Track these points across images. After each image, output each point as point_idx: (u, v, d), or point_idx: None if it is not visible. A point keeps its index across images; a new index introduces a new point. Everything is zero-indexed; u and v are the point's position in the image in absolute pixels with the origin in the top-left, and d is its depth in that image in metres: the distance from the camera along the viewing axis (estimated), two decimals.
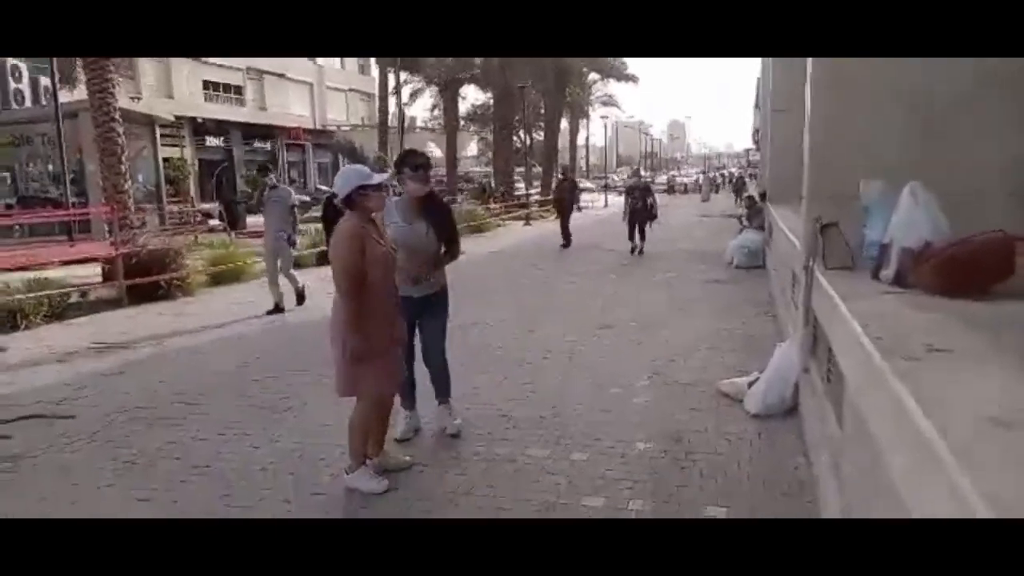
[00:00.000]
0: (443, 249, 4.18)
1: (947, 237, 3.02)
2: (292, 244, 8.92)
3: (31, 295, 8.35)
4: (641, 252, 13.37)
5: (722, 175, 55.39)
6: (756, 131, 29.77)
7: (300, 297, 9.02)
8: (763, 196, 11.98)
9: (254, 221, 22.59)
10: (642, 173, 20.08)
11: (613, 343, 6.62)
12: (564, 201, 16.11)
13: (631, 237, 13.56)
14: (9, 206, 19.70)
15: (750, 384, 4.73)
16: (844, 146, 4.03)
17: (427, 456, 4.06)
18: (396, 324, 3.69)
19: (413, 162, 4.01)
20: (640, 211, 13.60)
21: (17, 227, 16.41)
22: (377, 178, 3.51)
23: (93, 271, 10.88)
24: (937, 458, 1.43)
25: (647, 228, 13.65)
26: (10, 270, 9.59)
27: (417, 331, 4.23)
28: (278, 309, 8.56)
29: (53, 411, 5.03)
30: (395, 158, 4.10)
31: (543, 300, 9.03)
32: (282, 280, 8.81)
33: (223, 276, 11.08)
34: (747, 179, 34.45)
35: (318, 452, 4.13)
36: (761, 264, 10.89)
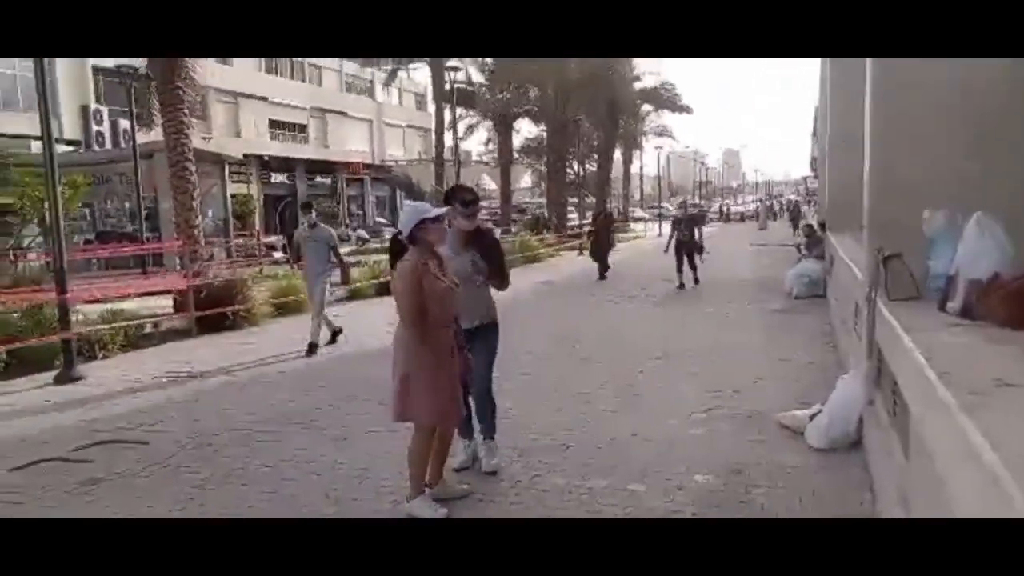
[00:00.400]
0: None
1: (1015, 268, 2.96)
2: (328, 283, 8.75)
3: (108, 326, 8.80)
4: (696, 281, 13.06)
5: (780, 203, 54.40)
6: (814, 159, 29.29)
7: (333, 337, 8.82)
8: (823, 225, 11.76)
9: None
10: (691, 202, 20.15)
11: (669, 373, 6.58)
12: (600, 234, 16.66)
13: (679, 270, 13.06)
14: (88, 241, 20.81)
15: (812, 416, 4.63)
16: (905, 174, 3.97)
17: (485, 485, 4.11)
18: (455, 358, 3.77)
19: (462, 198, 4.14)
20: (687, 243, 13.13)
21: (95, 260, 17.35)
22: (435, 212, 3.67)
23: (165, 303, 11.40)
24: (1007, 495, 1.42)
25: (697, 260, 13.23)
26: (89, 302, 10.13)
27: None
28: (312, 348, 8.21)
29: (129, 437, 5.28)
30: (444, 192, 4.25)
31: (597, 329, 9.03)
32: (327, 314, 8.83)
33: (287, 307, 11.45)
34: (804, 206, 33.79)
35: (379, 479, 4.23)
36: (821, 293, 10.65)
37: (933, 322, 3.07)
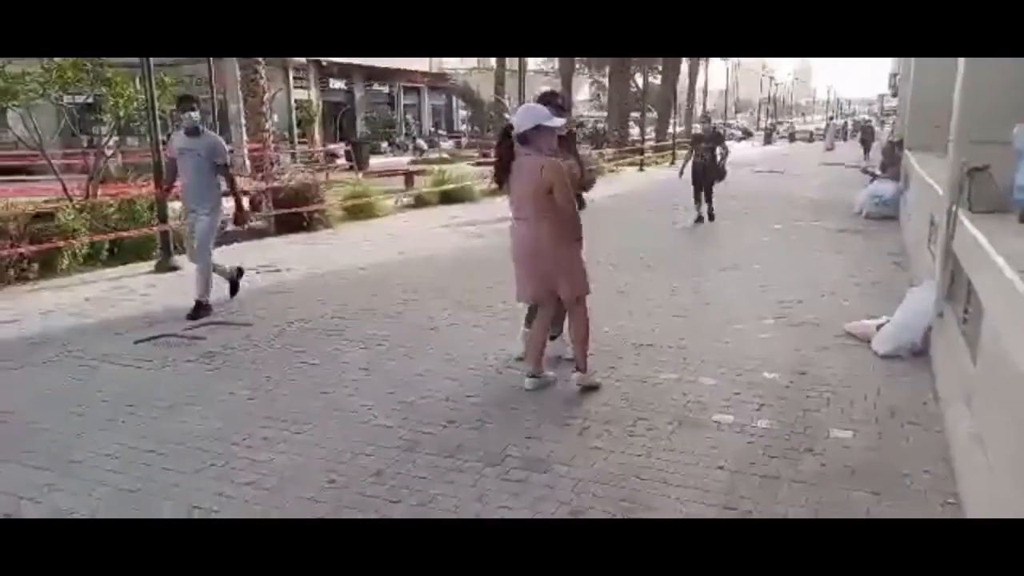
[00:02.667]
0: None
1: None
2: (217, 220, 6.10)
3: None
4: (711, 218, 10.86)
5: (852, 122, 51.93)
6: (893, 75, 27.77)
7: (234, 286, 6.41)
8: (900, 144, 11.43)
9: (377, 162, 23.62)
10: (715, 121, 16.26)
11: (737, 284, 6.76)
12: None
13: (697, 200, 10.81)
14: (162, 142, 21.44)
15: (879, 327, 4.80)
16: (996, 91, 3.98)
17: (562, 376, 4.44)
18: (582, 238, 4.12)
19: (557, 103, 4.30)
20: (707, 168, 10.77)
21: (167, 161, 17.95)
22: (556, 121, 3.82)
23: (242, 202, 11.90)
24: None
25: (714, 188, 10.90)
26: (177, 198, 10.69)
27: None
28: (199, 308, 5.80)
29: (233, 319, 5.79)
30: (535, 98, 4.39)
31: (663, 243, 9.17)
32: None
33: (357, 211, 11.86)
34: (877, 127, 32.30)
35: (468, 363, 4.61)
36: (894, 215, 10.51)
37: (1016, 231, 3.19)
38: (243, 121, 18.62)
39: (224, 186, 6.10)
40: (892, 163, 11.79)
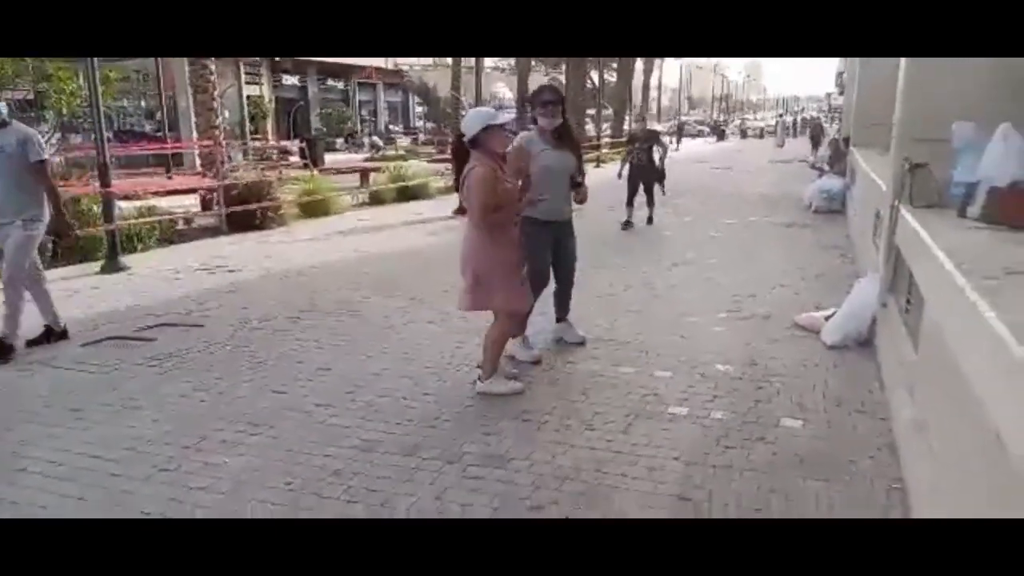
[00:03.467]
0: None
1: None
2: (38, 231, 4.94)
3: (144, 220, 9.10)
4: (650, 221, 10.29)
5: (801, 119, 53.21)
6: (840, 74, 28.54)
7: (48, 334, 5.07)
8: (846, 141, 11.77)
9: (332, 159, 23.32)
10: (650, 122, 15.94)
11: (690, 279, 6.87)
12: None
13: (629, 202, 10.23)
14: (107, 139, 20.82)
15: (827, 318, 4.94)
16: (936, 90, 4.13)
17: (527, 370, 4.46)
18: (519, 252, 4.05)
19: (540, 99, 4.46)
20: (644, 169, 10.29)
21: (114, 159, 17.43)
22: (502, 118, 3.83)
23: (190, 201, 11.65)
24: (1014, 359, 1.69)
25: (656, 192, 10.51)
26: (123, 198, 10.38)
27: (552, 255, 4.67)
28: (48, 334, 5.05)
29: (185, 320, 5.66)
30: (529, 94, 4.52)
31: (616, 239, 9.27)
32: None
33: (312, 208, 11.70)
34: (825, 124, 33.12)
35: (425, 361, 4.59)
36: (840, 209, 10.82)
37: (953, 225, 3.31)
38: (193, 117, 18.23)
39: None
40: (839, 159, 12.13)
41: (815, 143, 25.48)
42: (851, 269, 7.01)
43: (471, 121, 3.79)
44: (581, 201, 4.70)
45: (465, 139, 3.83)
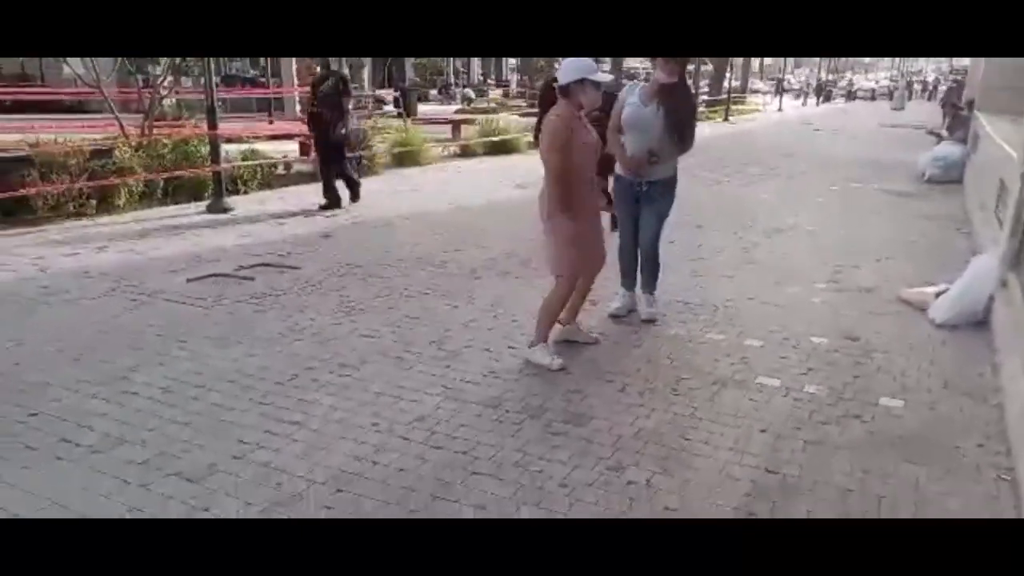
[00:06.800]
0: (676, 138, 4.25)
1: None
2: None
3: (246, 164, 9.46)
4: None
5: (921, 81, 49.41)
6: None
7: None
8: (970, 105, 10.86)
9: (425, 109, 23.48)
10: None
11: (788, 245, 6.58)
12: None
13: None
14: (215, 84, 21.67)
15: (937, 294, 4.63)
16: None
17: (614, 328, 4.41)
18: (598, 213, 3.91)
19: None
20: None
21: (220, 103, 18.15)
22: (602, 76, 3.65)
23: (291, 147, 12.00)
24: None
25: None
26: (228, 141, 10.82)
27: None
28: None
29: (282, 262, 5.88)
30: None
31: (711, 201, 8.94)
32: None
33: (404, 158, 11.84)
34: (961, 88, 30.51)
35: (511, 314, 4.61)
36: (958, 179, 10.05)
37: None
38: (294, 63, 18.69)
39: None
40: (959, 125, 11.22)
41: (947, 108, 23.46)
42: (966, 244, 6.53)
43: (568, 68, 3.62)
44: (626, 169, 4.32)
45: (556, 85, 3.70)
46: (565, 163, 3.63)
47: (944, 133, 11.85)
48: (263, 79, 19.15)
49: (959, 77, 37.98)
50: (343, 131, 8.21)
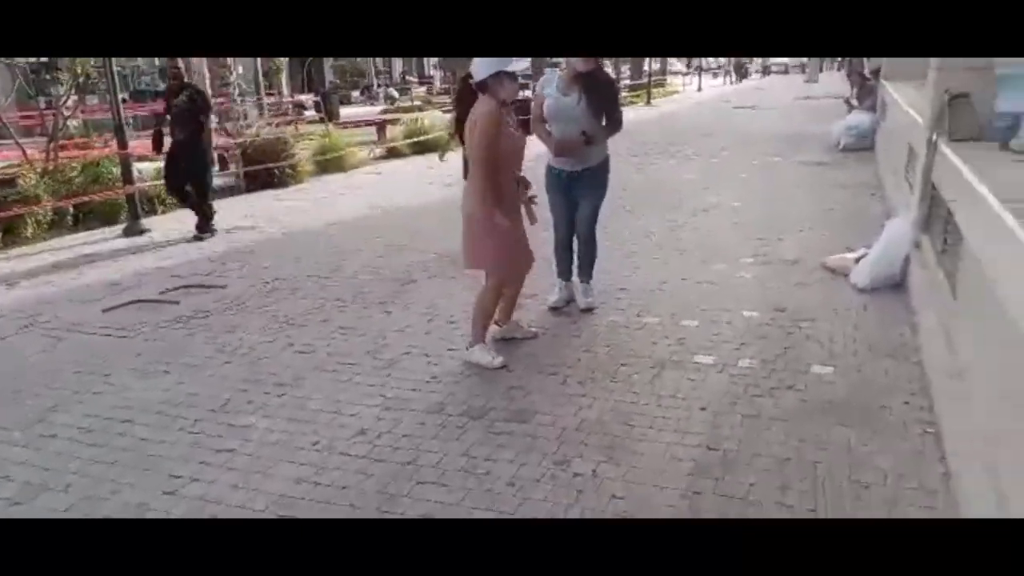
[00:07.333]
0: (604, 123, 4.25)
1: None
2: None
3: (162, 182, 9.07)
4: None
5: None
6: None
7: None
8: (876, 73, 11.31)
9: (347, 112, 23.07)
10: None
11: (715, 224, 6.72)
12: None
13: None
14: (123, 100, 20.79)
15: (857, 259, 4.80)
16: None
17: (550, 320, 4.41)
18: (519, 208, 3.86)
19: None
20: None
21: (130, 119, 17.41)
22: (515, 65, 3.62)
23: None
24: None
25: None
26: (141, 159, 10.38)
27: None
28: None
29: (206, 282, 5.67)
30: None
31: (638, 186, 9.07)
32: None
33: (328, 164, 11.59)
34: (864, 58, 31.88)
35: (448, 316, 4.56)
36: (870, 146, 10.46)
37: (997, 159, 3.14)
38: (207, 74, 18.03)
39: None
40: (868, 94, 11.67)
41: (852, 76, 24.44)
42: (881, 209, 6.80)
43: (481, 64, 3.59)
44: (558, 154, 4.28)
45: (473, 82, 3.66)
46: (495, 158, 3.61)
47: (854, 102, 12.30)
48: None
49: None
50: (203, 151, 7.41)
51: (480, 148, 3.59)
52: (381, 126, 15.80)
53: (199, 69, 17.44)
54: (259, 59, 25.19)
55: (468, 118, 3.67)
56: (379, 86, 33.51)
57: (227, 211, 8.59)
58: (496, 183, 3.63)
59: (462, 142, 3.89)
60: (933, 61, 4.23)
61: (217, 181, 10.57)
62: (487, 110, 3.59)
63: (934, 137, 3.86)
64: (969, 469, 2.48)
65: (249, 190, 10.13)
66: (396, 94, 30.41)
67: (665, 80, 35.56)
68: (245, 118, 15.70)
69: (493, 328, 4.04)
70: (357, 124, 17.27)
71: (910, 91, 6.94)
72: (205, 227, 7.32)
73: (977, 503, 2.32)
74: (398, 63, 40.31)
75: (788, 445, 2.90)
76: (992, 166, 2.92)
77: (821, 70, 40.86)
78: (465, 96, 3.72)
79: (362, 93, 32.57)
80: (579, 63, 4.11)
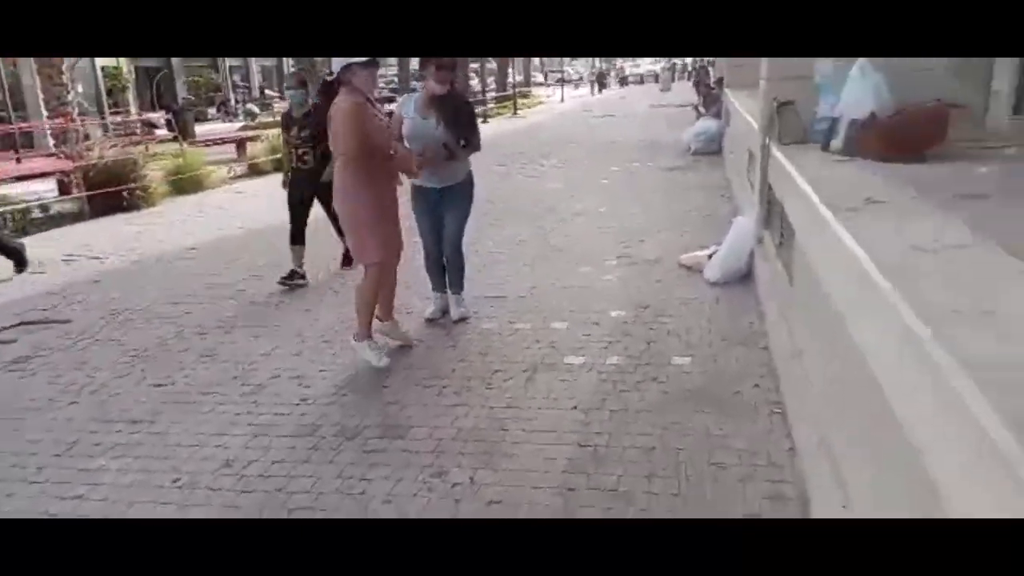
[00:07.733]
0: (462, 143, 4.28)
1: (890, 109, 3.33)
2: None
3: None
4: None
5: (684, 64, 54.44)
6: None
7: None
8: (720, 82, 12.16)
9: (203, 130, 21.94)
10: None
11: (580, 230, 6.95)
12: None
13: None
14: None
15: (709, 256, 5.14)
16: None
17: (426, 330, 4.40)
18: (395, 199, 3.95)
19: (438, 61, 4.10)
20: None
21: None
22: (361, 58, 3.66)
23: (45, 186, 10.66)
24: (871, 280, 1.78)
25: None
26: None
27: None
28: None
29: (47, 317, 5.20)
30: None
31: (506, 196, 9.24)
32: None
33: (184, 185, 10.98)
34: (710, 68, 34.11)
35: (318, 335, 4.43)
36: (718, 150, 11.22)
37: (818, 159, 3.47)
38: (40, 94, 16.61)
39: None
40: (713, 102, 12.53)
41: (699, 87, 26.11)
42: (730, 208, 7.30)
43: (336, 63, 3.71)
44: (420, 165, 4.11)
45: (330, 79, 3.76)
46: (363, 145, 3.69)
47: (702, 110, 13.17)
48: (3, 113, 16.83)
49: (707, 59, 42.28)
50: None
51: (347, 136, 3.65)
52: (241, 143, 15.17)
53: (32, 92, 16.08)
54: (100, 77, 23.51)
55: (328, 113, 3.74)
56: (237, 102, 32.12)
57: (68, 239, 7.95)
58: (365, 170, 3.73)
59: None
60: (763, 71, 4.61)
61: (57, 207, 9.79)
62: (350, 102, 3.66)
63: (767, 141, 4.20)
64: (808, 442, 2.71)
65: (96, 215, 9.40)
66: (257, 109, 29.26)
67: (529, 91, 36.46)
68: (87, 139, 14.60)
69: (375, 324, 4.05)
70: (215, 142, 16.48)
71: (747, 99, 7.51)
72: (22, 261, 6.71)
73: (816, 475, 2.54)
74: (257, 77, 38.84)
75: (653, 435, 3.04)
76: (813, 165, 3.22)
77: (674, 79, 43.31)
78: (326, 96, 3.81)
79: (218, 109, 31.08)
80: (436, 86, 4.14)
